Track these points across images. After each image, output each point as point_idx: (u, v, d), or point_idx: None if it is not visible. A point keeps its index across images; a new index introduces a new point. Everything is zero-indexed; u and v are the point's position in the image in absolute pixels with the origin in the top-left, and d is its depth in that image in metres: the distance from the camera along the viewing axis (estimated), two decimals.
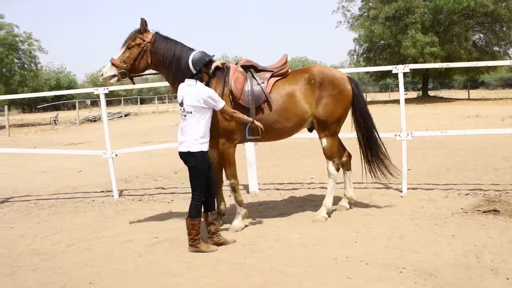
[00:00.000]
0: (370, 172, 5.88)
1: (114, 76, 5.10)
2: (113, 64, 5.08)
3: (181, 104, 4.66)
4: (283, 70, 5.37)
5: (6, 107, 24.96)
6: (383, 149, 5.83)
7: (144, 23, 5.09)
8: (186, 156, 4.66)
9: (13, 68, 35.59)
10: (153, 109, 42.76)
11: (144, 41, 5.07)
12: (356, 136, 5.81)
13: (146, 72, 5.43)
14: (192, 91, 4.59)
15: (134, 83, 5.74)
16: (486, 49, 37.50)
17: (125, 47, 5.11)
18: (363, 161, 5.87)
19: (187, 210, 4.56)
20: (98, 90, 7.38)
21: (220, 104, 4.66)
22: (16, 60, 35.95)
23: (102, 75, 5.14)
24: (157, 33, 5.18)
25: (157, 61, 5.14)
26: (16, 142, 18.96)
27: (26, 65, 37.19)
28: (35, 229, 5.81)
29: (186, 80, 4.71)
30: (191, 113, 4.56)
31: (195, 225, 4.63)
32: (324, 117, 5.27)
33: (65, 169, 10.67)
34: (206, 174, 4.74)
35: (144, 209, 6.46)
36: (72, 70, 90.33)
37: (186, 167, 4.74)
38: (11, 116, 33.74)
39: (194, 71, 4.66)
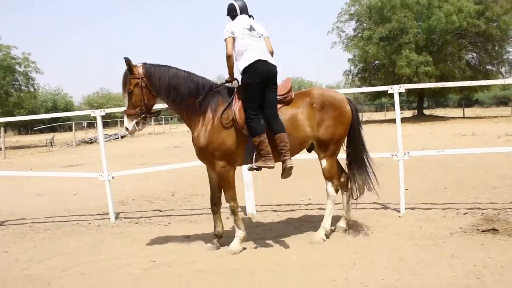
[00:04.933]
0: (350, 182, 5.73)
1: (137, 124, 5.10)
2: (129, 115, 5.08)
3: (251, 29, 5.02)
4: (288, 98, 5.32)
5: (2, 129, 24.86)
6: (369, 166, 5.70)
7: (129, 63, 4.98)
8: (275, 71, 5.08)
9: (9, 90, 35.59)
10: (150, 130, 42.77)
11: (138, 78, 5.00)
12: (346, 153, 5.73)
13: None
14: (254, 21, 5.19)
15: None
16: (479, 68, 38.10)
17: (126, 94, 5.07)
18: (347, 172, 5.75)
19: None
20: (95, 112, 7.40)
21: None
22: (12, 82, 36.01)
23: (128, 129, 5.11)
24: (145, 64, 5.11)
25: (155, 91, 5.09)
26: (12, 164, 18.87)
27: (22, 87, 37.26)
28: (30, 253, 5.72)
29: (243, 16, 5.15)
30: (262, 35, 5.11)
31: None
32: (325, 138, 5.29)
33: (61, 192, 10.60)
34: None
35: (141, 232, 6.40)
36: (68, 92, 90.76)
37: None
38: (7, 138, 33.66)
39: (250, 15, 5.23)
